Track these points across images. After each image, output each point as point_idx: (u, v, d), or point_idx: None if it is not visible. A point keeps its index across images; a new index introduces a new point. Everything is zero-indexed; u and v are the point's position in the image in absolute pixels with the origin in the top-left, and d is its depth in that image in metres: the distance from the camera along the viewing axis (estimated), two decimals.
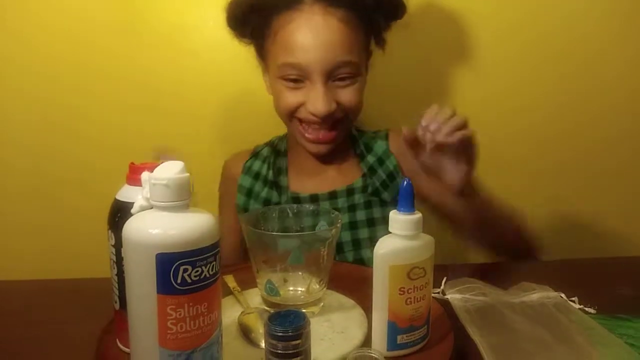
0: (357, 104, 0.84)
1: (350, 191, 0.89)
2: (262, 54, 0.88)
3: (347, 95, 0.82)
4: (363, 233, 0.87)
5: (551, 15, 1.10)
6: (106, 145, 1.07)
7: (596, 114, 1.14)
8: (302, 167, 0.92)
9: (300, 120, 0.84)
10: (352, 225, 0.88)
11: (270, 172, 0.91)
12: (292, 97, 0.82)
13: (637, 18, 1.11)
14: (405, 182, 0.53)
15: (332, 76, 0.80)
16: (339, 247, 0.87)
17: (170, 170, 0.44)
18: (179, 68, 1.06)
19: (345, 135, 0.89)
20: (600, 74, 1.13)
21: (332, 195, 0.89)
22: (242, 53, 0.95)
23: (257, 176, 0.93)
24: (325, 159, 0.91)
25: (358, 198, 0.88)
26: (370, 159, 0.91)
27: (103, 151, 1.07)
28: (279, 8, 0.80)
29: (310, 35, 0.78)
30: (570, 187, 1.17)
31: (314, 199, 0.89)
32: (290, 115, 0.84)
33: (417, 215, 0.53)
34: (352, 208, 0.88)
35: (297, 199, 0.89)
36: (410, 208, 0.52)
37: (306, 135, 0.84)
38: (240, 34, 0.89)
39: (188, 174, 0.45)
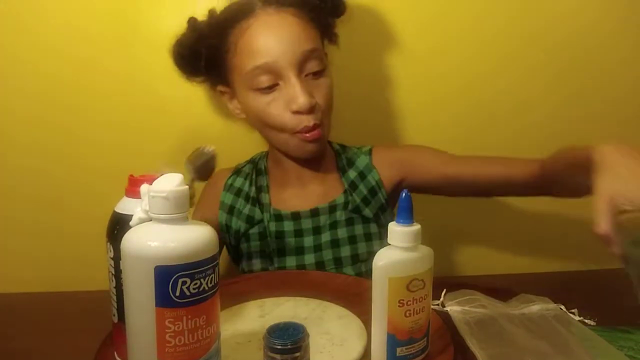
0: (331, 100, 0.84)
1: (332, 208, 0.87)
2: (226, 77, 0.86)
3: (321, 90, 0.81)
4: (345, 251, 0.86)
5: (545, 15, 1.09)
6: (105, 158, 1.07)
7: (592, 113, 1.13)
8: (284, 184, 0.90)
9: (297, 131, 0.81)
10: (334, 244, 0.86)
11: (253, 188, 0.90)
12: (274, 108, 0.80)
13: (633, 17, 1.11)
14: (403, 194, 0.53)
15: (302, 70, 0.80)
16: (320, 266, 0.85)
17: (169, 182, 0.44)
18: (178, 80, 1.07)
19: (325, 143, 0.88)
20: (595, 72, 1.12)
21: (314, 213, 0.87)
22: None
23: (238, 193, 0.91)
24: (307, 174, 0.89)
25: (339, 215, 0.87)
26: (352, 174, 0.89)
27: (102, 163, 1.07)
28: (232, 22, 0.81)
29: (271, 34, 0.79)
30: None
31: (296, 216, 0.87)
32: (285, 130, 0.81)
33: (416, 226, 0.53)
34: (333, 225, 0.86)
35: (279, 216, 0.87)
36: (409, 219, 0.53)
37: (306, 135, 0.81)
38: (194, 69, 0.88)
39: (187, 187, 0.45)
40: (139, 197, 0.49)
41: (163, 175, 0.45)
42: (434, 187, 0.90)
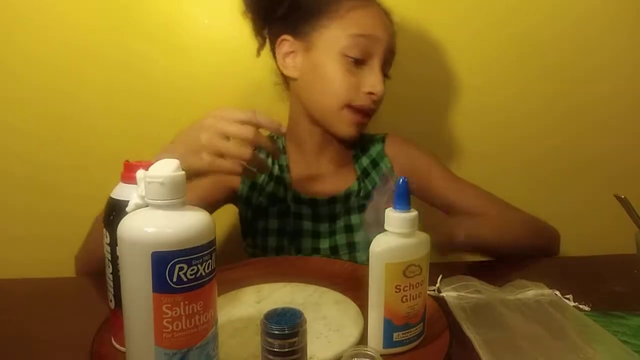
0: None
1: (347, 196, 0.90)
2: (304, 31, 0.86)
3: (383, 86, 0.86)
4: (358, 236, 0.88)
5: (551, 27, 1.11)
6: (101, 144, 1.07)
7: (595, 123, 1.15)
8: (302, 165, 0.92)
9: (351, 108, 0.85)
10: (348, 229, 0.89)
11: (276, 166, 0.91)
12: (353, 78, 0.84)
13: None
14: (400, 180, 0.53)
15: (383, 65, 0.86)
16: (335, 250, 0.88)
17: (165, 168, 0.44)
18: (174, 66, 1.06)
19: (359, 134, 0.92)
20: (601, 84, 1.14)
21: (331, 201, 0.89)
22: (238, 51, 0.95)
23: None
24: (325, 158, 0.92)
25: (353, 202, 0.89)
26: (365, 160, 0.92)
27: (98, 149, 1.07)
28: None
29: (381, 22, 0.86)
30: (566, 185, 1.17)
31: (314, 203, 0.89)
32: (344, 105, 0.84)
33: (413, 213, 0.53)
34: (347, 212, 0.89)
35: (298, 199, 0.89)
36: (406, 206, 0.52)
37: (355, 116, 0.86)
38: (267, 13, 0.88)
39: (183, 172, 0.44)
40: (135, 183, 0.49)
41: (159, 161, 0.45)
42: (427, 198, 0.94)
